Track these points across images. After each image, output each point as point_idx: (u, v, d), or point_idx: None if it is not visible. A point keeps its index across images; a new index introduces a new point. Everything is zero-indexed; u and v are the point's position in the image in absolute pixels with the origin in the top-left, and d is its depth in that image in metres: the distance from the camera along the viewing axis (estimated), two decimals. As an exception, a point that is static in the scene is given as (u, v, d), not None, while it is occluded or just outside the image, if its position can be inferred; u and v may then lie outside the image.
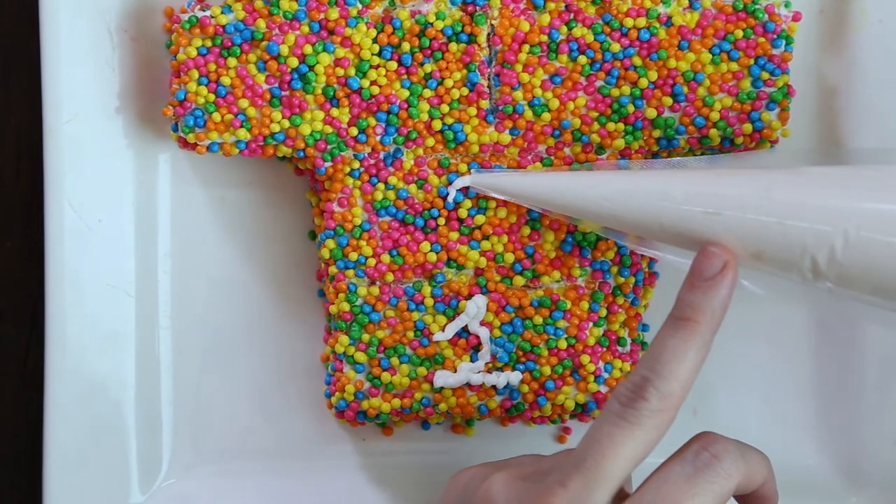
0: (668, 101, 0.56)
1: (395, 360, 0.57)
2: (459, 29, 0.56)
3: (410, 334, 0.57)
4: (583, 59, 0.56)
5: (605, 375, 0.57)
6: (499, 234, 0.56)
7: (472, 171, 0.56)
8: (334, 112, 0.56)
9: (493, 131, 0.56)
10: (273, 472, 0.59)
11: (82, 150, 0.57)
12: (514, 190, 0.55)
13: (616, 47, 0.56)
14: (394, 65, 0.56)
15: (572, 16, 0.56)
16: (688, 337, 0.47)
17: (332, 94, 0.56)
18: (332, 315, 0.57)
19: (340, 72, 0.55)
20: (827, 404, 0.60)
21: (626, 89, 0.56)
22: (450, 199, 0.56)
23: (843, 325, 0.60)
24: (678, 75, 0.56)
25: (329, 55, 0.55)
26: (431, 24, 0.56)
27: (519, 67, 0.56)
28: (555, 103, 0.56)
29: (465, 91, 0.56)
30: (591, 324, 0.57)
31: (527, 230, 0.56)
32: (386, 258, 0.56)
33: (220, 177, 0.59)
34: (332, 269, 0.56)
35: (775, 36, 0.56)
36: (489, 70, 0.56)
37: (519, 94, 0.56)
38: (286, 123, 0.55)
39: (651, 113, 0.56)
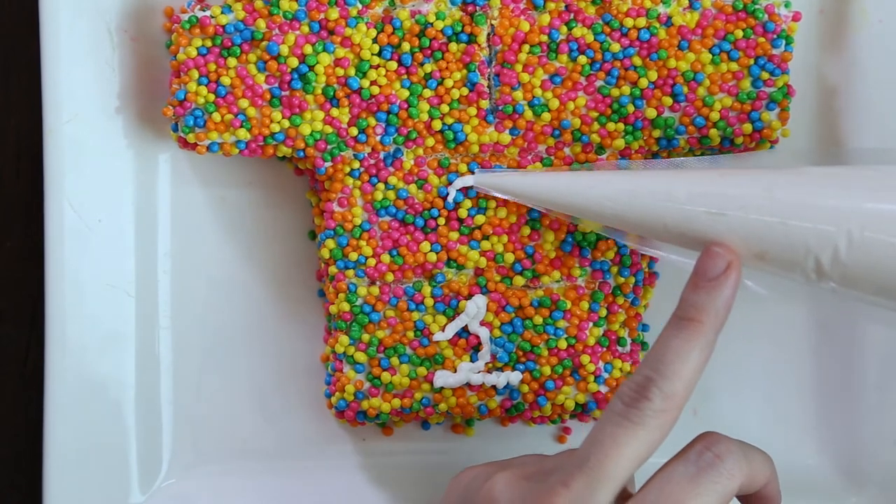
0: (668, 101, 0.56)
1: (395, 360, 0.57)
2: (459, 29, 0.56)
3: (410, 334, 0.57)
4: (583, 59, 0.56)
5: (605, 375, 0.57)
6: (499, 234, 0.56)
7: (472, 171, 0.56)
8: (334, 112, 0.56)
9: (493, 131, 0.56)
10: (273, 472, 0.59)
11: (82, 150, 0.57)
12: (515, 189, 0.55)
13: (616, 47, 0.56)
14: (394, 65, 0.56)
15: (572, 16, 0.56)
16: (691, 337, 0.47)
17: (332, 94, 0.55)
18: (332, 315, 0.57)
19: (340, 72, 0.55)
20: (827, 404, 0.60)
21: (626, 89, 0.56)
22: (450, 199, 0.56)
23: (844, 326, 0.60)
24: (678, 75, 0.56)
25: (329, 55, 0.55)
26: (431, 24, 0.56)
27: (519, 67, 0.56)
28: (555, 103, 0.56)
29: (465, 91, 0.56)
30: (591, 324, 0.57)
31: (527, 230, 0.56)
32: (386, 258, 0.56)
33: (220, 177, 0.59)
34: (332, 269, 0.56)
35: (775, 36, 0.56)
36: (489, 70, 0.56)
37: (519, 94, 0.56)
38: (286, 123, 0.55)
39: (651, 113, 0.56)
